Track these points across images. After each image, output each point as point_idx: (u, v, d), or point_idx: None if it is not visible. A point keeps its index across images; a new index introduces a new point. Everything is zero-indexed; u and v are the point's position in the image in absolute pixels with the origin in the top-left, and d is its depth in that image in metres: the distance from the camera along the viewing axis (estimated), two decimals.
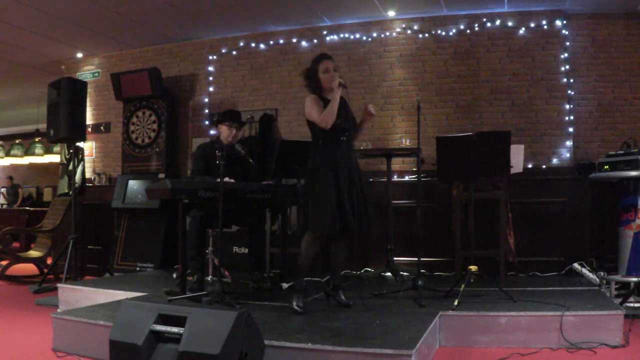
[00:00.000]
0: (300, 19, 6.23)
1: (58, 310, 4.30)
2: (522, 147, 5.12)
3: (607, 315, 3.35)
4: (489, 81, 5.83)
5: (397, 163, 5.91)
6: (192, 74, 6.97)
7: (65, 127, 5.37)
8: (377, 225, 5.33)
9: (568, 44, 5.67)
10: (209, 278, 4.88)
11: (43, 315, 4.27)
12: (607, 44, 5.63)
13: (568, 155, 5.60)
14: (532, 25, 5.73)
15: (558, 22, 5.67)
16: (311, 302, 3.98)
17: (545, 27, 5.70)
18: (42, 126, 8.48)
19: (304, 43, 6.44)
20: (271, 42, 6.58)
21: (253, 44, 6.65)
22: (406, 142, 5.65)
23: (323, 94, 3.73)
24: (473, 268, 3.90)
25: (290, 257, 5.00)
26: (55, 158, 10.12)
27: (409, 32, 6.10)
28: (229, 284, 4.54)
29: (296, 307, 3.58)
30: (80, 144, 6.14)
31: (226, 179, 4.33)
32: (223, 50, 6.80)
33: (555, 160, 5.63)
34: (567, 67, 5.64)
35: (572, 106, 5.64)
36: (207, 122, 6.81)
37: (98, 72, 7.53)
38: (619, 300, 4.15)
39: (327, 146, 3.68)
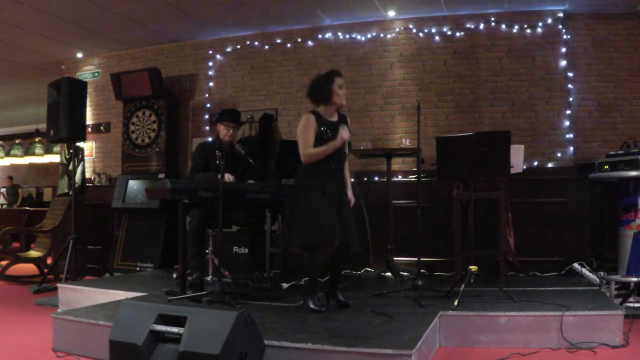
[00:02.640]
0: (300, 19, 6.23)
1: (58, 310, 4.30)
2: (522, 147, 5.12)
3: (607, 315, 3.35)
4: (489, 81, 5.83)
5: (397, 163, 5.91)
6: (192, 74, 6.97)
7: (65, 127, 5.37)
8: (377, 225, 5.44)
9: (568, 44, 5.67)
10: (209, 278, 4.88)
11: (43, 315, 4.27)
12: (607, 44, 5.62)
13: (568, 155, 5.60)
14: (532, 25, 5.73)
15: (558, 22, 5.67)
16: None
17: (545, 27, 5.70)
18: (42, 126, 8.48)
19: (304, 43, 6.44)
20: (271, 42, 6.58)
21: (253, 44, 6.65)
22: (406, 142, 5.65)
23: (328, 107, 3.75)
24: (473, 268, 3.89)
25: (291, 257, 5.01)
26: (55, 158, 10.12)
27: (409, 32, 6.10)
28: (229, 284, 4.54)
29: (314, 307, 3.61)
30: (80, 144, 6.14)
31: (227, 175, 4.34)
32: (223, 50, 6.80)
33: (555, 160, 5.63)
34: (567, 67, 5.64)
35: (572, 106, 5.64)
36: (207, 124, 6.81)
37: (98, 72, 7.53)
38: (619, 300, 4.16)
39: (316, 165, 3.70)
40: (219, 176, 3.80)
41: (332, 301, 3.83)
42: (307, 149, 3.66)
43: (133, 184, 6.61)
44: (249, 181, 4.60)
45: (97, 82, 7.49)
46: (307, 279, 3.80)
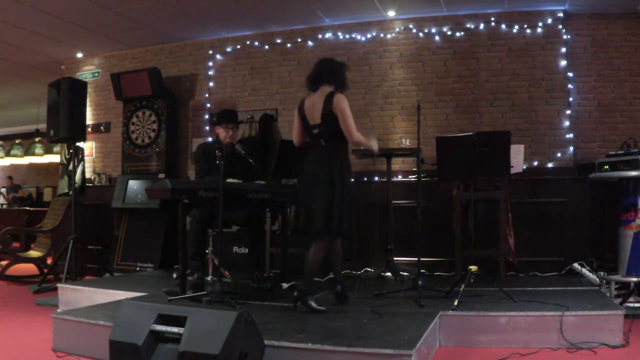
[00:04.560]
0: (300, 19, 6.23)
1: (58, 310, 4.30)
2: (522, 147, 5.12)
3: (607, 315, 3.35)
4: (489, 81, 5.83)
5: (397, 163, 5.91)
6: (192, 74, 6.97)
7: (65, 127, 5.37)
8: (377, 226, 5.45)
9: (568, 44, 5.67)
10: (209, 278, 4.88)
11: (43, 315, 4.27)
12: (607, 44, 5.62)
13: (568, 155, 5.60)
14: (532, 25, 5.73)
15: (558, 22, 5.67)
16: None
17: (545, 27, 5.70)
18: (42, 126, 8.48)
19: (304, 43, 6.44)
20: (271, 42, 6.58)
21: (253, 44, 6.65)
22: (406, 142, 5.65)
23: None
24: (473, 268, 3.89)
25: (290, 257, 5.02)
26: (55, 158, 10.12)
27: (409, 32, 6.10)
28: (229, 284, 4.54)
29: (318, 307, 3.56)
30: (80, 144, 6.14)
31: (232, 180, 4.35)
32: (223, 50, 6.80)
33: (555, 160, 5.63)
34: (567, 67, 5.64)
35: (572, 106, 5.64)
36: (207, 122, 6.81)
37: (98, 72, 7.53)
38: (619, 300, 4.16)
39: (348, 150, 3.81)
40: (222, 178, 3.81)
41: (330, 295, 3.85)
42: (357, 131, 3.63)
43: (133, 184, 6.61)
44: (258, 182, 4.60)
45: (97, 82, 7.48)
46: (306, 274, 3.67)
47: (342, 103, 3.59)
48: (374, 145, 3.81)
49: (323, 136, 3.68)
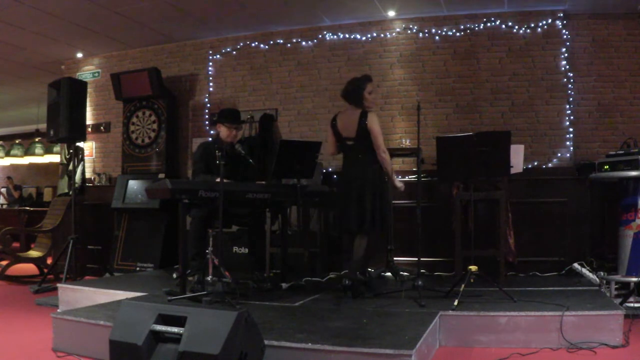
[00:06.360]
0: (300, 19, 6.23)
1: (58, 310, 4.30)
2: (522, 147, 5.11)
3: (607, 315, 3.35)
4: (489, 81, 5.83)
5: (397, 163, 5.90)
6: (192, 74, 6.97)
7: (65, 127, 5.37)
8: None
9: (568, 44, 5.67)
10: (209, 278, 4.87)
11: (43, 315, 4.27)
12: (607, 44, 5.63)
13: (568, 155, 5.60)
14: (532, 25, 5.73)
15: (558, 22, 5.67)
16: (311, 302, 3.99)
17: (545, 27, 5.70)
18: (42, 126, 8.48)
19: (304, 43, 6.44)
20: (271, 42, 6.58)
21: (253, 44, 6.65)
22: (406, 142, 5.65)
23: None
24: (473, 268, 3.89)
25: (290, 257, 5.02)
26: (55, 158, 10.11)
27: (409, 32, 6.10)
28: (229, 284, 4.53)
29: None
30: (80, 144, 6.14)
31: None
32: (223, 50, 6.80)
33: (555, 160, 5.63)
34: (567, 67, 5.64)
35: (572, 106, 5.64)
36: (207, 122, 6.81)
37: (98, 72, 7.53)
38: (619, 300, 4.15)
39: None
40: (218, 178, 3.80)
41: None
42: (385, 148, 4.16)
43: (133, 184, 6.61)
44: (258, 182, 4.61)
45: (97, 82, 7.49)
46: (359, 264, 4.26)
47: (374, 123, 4.13)
48: (398, 184, 4.36)
49: (359, 147, 4.17)
